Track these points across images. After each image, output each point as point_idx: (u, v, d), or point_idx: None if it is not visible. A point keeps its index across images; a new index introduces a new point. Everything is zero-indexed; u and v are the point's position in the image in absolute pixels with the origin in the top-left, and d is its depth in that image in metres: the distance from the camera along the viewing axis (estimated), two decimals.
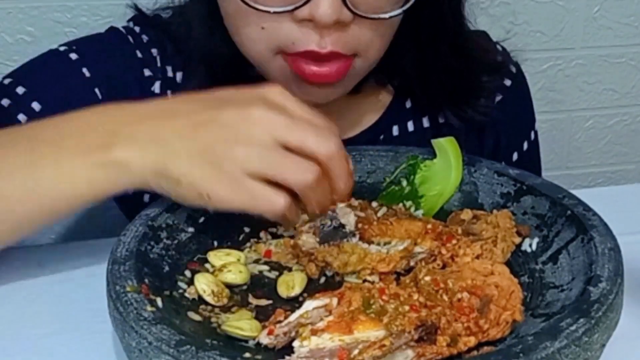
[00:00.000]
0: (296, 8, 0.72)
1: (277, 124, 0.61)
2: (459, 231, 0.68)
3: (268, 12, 0.73)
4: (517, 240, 0.68)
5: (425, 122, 0.94)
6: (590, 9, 1.48)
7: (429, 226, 0.67)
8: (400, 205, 0.75)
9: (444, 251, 0.65)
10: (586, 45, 1.51)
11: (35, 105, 0.81)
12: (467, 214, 0.70)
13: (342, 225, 0.66)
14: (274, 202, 0.61)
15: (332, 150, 0.61)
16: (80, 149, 0.64)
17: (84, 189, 0.64)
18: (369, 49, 0.78)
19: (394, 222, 0.67)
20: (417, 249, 0.65)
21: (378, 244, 0.65)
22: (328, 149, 0.61)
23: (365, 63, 0.79)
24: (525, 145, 1.00)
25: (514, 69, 0.99)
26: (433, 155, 0.78)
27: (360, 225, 0.67)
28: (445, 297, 0.58)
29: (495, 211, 0.70)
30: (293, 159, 0.60)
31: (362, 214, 0.69)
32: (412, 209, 0.75)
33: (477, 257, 0.65)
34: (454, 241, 0.66)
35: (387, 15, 0.75)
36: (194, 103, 0.65)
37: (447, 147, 0.77)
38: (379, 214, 0.70)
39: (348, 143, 0.70)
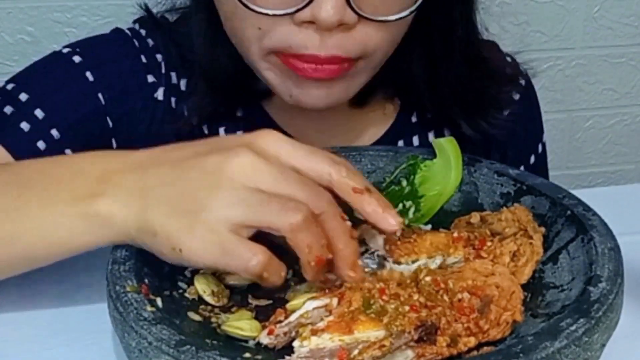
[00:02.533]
0: (298, 10, 0.70)
1: (262, 173, 0.56)
2: (488, 232, 0.67)
3: (267, 14, 0.71)
4: (543, 230, 0.67)
5: (431, 137, 0.93)
6: (590, 9, 1.48)
7: (455, 235, 0.66)
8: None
9: (484, 255, 0.64)
10: (586, 45, 1.51)
11: (39, 113, 0.81)
12: (475, 217, 0.70)
13: (372, 250, 0.63)
14: (248, 259, 0.55)
15: (323, 205, 0.56)
16: (65, 197, 0.61)
17: (66, 239, 0.61)
18: (374, 52, 0.75)
19: (417, 238, 0.65)
20: (451, 259, 0.64)
21: (406, 264, 0.64)
22: (318, 207, 0.56)
23: (369, 64, 0.77)
24: (532, 159, 0.99)
25: (523, 82, 0.97)
26: (433, 155, 0.78)
27: (387, 247, 0.65)
28: (445, 298, 0.58)
29: (504, 208, 0.70)
30: (277, 200, 0.55)
31: (383, 235, 0.68)
32: (412, 210, 0.74)
33: (514, 253, 0.64)
34: (489, 244, 0.65)
35: (393, 18, 0.73)
36: (184, 149, 0.60)
37: (447, 147, 0.77)
38: (397, 233, 0.69)
39: None
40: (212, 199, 0.55)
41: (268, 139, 0.58)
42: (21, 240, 0.61)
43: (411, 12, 0.74)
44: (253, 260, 0.55)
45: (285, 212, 0.54)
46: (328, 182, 0.58)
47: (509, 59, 0.98)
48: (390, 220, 0.59)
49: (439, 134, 0.92)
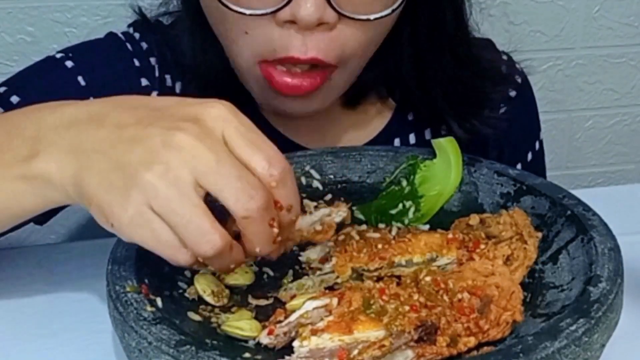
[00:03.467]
0: (277, 9, 0.70)
1: (199, 160, 0.52)
2: (483, 235, 0.67)
3: (244, 14, 0.71)
4: (539, 235, 0.67)
5: (428, 135, 0.92)
6: (590, 9, 1.48)
7: (450, 236, 0.66)
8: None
9: (476, 257, 0.64)
10: (586, 45, 1.51)
11: None
12: (474, 219, 0.70)
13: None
14: (174, 254, 0.54)
15: (251, 208, 0.53)
16: (4, 160, 0.59)
17: (11, 203, 0.59)
18: (351, 57, 0.75)
19: (411, 237, 0.66)
20: (444, 259, 0.65)
21: (400, 263, 0.65)
22: (246, 208, 0.53)
23: (344, 74, 0.77)
24: (530, 156, 0.99)
25: (519, 79, 0.97)
26: (433, 155, 0.78)
27: (380, 245, 0.66)
28: (445, 298, 0.58)
29: (503, 211, 0.70)
30: (198, 223, 0.52)
31: (377, 235, 0.68)
32: (412, 210, 0.74)
33: (508, 257, 0.64)
34: (482, 246, 0.65)
35: (374, 17, 0.72)
36: (126, 112, 0.57)
37: (447, 147, 0.77)
38: (393, 232, 0.69)
39: None
40: (142, 178, 0.52)
41: (215, 115, 0.55)
42: None
43: (393, 11, 0.74)
44: (181, 256, 0.54)
45: (200, 241, 0.53)
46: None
47: (504, 57, 0.98)
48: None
49: (435, 132, 0.92)
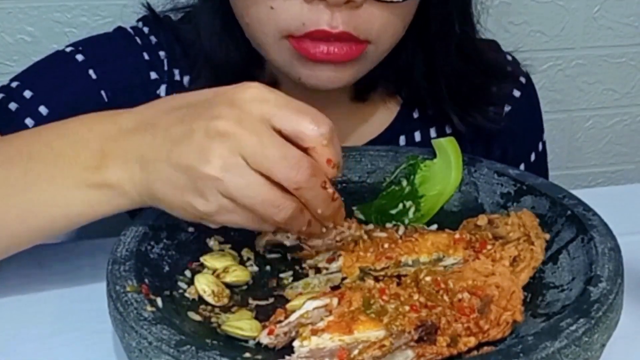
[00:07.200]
0: None
1: (244, 145, 0.57)
2: (490, 236, 0.67)
3: None
4: (547, 236, 0.67)
5: (433, 133, 0.93)
6: (590, 9, 1.48)
7: (457, 236, 0.66)
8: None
9: (482, 258, 0.64)
10: (586, 45, 1.51)
11: (43, 110, 0.82)
12: (482, 220, 0.70)
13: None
14: (260, 225, 0.60)
15: (300, 180, 0.57)
16: (73, 171, 0.63)
17: (79, 210, 0.63)
18: (381, 36, 0.76)
19: (418, 237, 0.66)
20: (450, 260, 0.65)
21: (406, 263, 0.65)
22: (296, 181, 0.57)
23: (377, 51, 0.78)
24: (533, 157, 0.99)
25: (523, 80, 0.98)
26: (433, 155, 0.78)
27: (387, 245, 0.66)
28: (445, 298, 0.58)
29: (512, 212, 0.70)
30: (269, 197, 0.57)
31: (384, 234, 0.68)
32: (412, 210, 0.74)
33: (514, 258, 0.64)
34: (489, 247, 0.65)
35: None
36: (172, 114, 0.61)
37: (447, 147, 0.77)
38: (400, 232, 0.69)
39: None
40: (209, 174, 0.57)
41: (250, 97, 0.58)
42: (38, 215, 0.64)
43: None
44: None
45: (271, 211, 0.58)
46: (307, 145, 0.58)
47: (509, 57, 0.99)
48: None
49: (440, 130, 0.93)
